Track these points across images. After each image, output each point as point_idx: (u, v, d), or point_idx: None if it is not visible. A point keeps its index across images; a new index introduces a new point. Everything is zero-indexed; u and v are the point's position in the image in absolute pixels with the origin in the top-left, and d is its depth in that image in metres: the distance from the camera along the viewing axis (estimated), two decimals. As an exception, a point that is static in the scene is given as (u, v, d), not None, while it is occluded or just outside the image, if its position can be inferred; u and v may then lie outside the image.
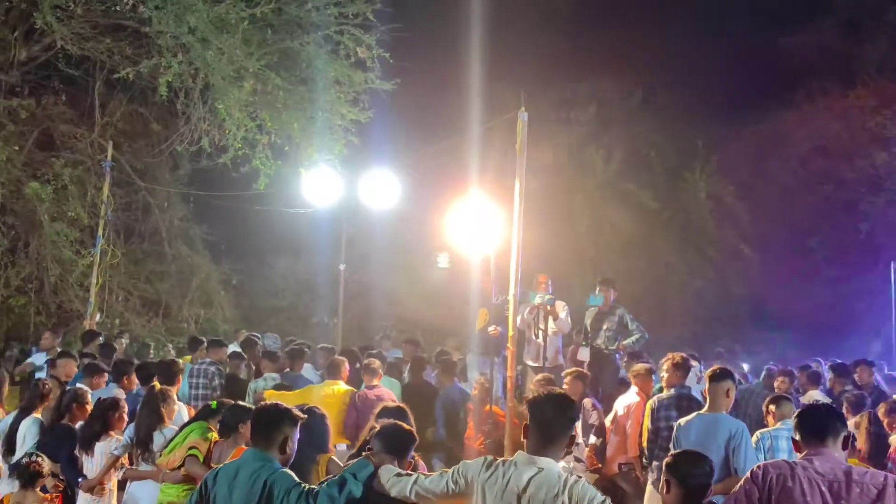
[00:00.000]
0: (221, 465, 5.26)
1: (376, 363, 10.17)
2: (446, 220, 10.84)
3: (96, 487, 7.93)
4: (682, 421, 7.31)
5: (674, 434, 7.28)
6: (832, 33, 33.08)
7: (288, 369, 11.19)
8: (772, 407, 8.07)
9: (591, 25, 27.92)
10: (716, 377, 7.24)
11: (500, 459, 4.54)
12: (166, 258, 20.72)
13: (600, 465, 9.52)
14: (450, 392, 10.65)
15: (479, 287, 11.58)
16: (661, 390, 8.89)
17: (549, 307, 11.47)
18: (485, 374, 10.72)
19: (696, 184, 30.01)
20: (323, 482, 4.97)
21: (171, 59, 14.99)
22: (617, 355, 11.40)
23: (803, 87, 32.96)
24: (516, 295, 9.74)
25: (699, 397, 9.29)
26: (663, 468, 4.88)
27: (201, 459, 7.07)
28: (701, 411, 7.31)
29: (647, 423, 8.59)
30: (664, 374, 8.92)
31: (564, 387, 9.50)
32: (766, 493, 4.26)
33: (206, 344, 12.71)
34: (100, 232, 16.11)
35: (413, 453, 5.27)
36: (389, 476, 4.81)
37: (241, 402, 7.79)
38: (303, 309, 24.00)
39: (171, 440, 7.50)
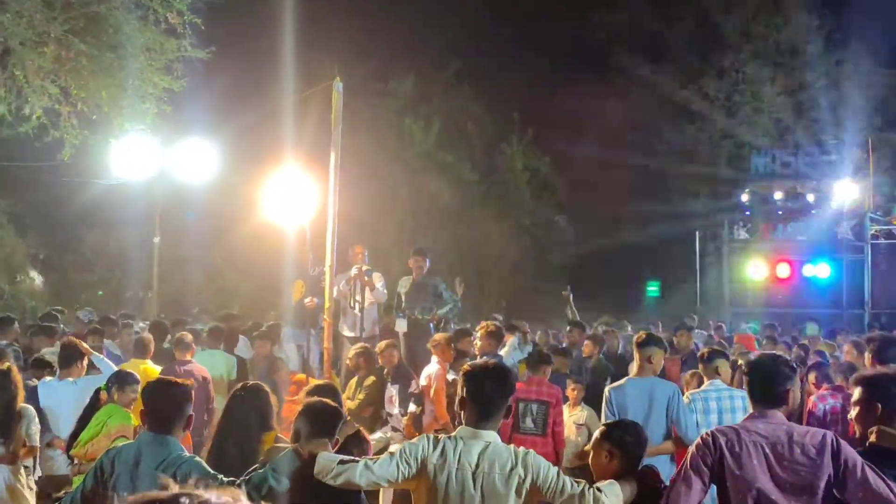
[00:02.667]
0: (116, 449, 4.82)
1: (189, 337, 9.94)
2: (263, 191, 10.69)
3: None
4: (614, 385, 7.42)
5: (608, 398, 7.33)
6: (643, 10, 34.12)
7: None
8: (700, 365, 8.17)
9: (408, -2, 28.01)
10: (642, 343, 7.40)
11: (442, 436, 4.38)
12: (-35, 232, 19.79)
13: (417, 434, 9.63)
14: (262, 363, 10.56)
15: (295, 259, 11.52)
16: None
17: (365, 278, 11.51)
18: (301, 345, 10.71)
19: (513, 155, 30.54)
20: (247, 474, 4.55)
21: (-37, 21, 14.24)
22: (431, 325, 11.53)
23: (615, 62, 33.93)
24: (332, 266, 9.73)
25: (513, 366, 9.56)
26: (600, 438, 4.72)
27: None
28: (631, 375, 7.45)
29: (459, 389, 8.72)
30: (478, 343, 9.10)
31: (379, 359, 9.57)
32: (718, 458, 4.26)
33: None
34: None
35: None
36: (331, 464, 4.32)
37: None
38: (115, 283, 23.30)
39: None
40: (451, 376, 9.45)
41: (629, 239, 32.13)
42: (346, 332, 11.73)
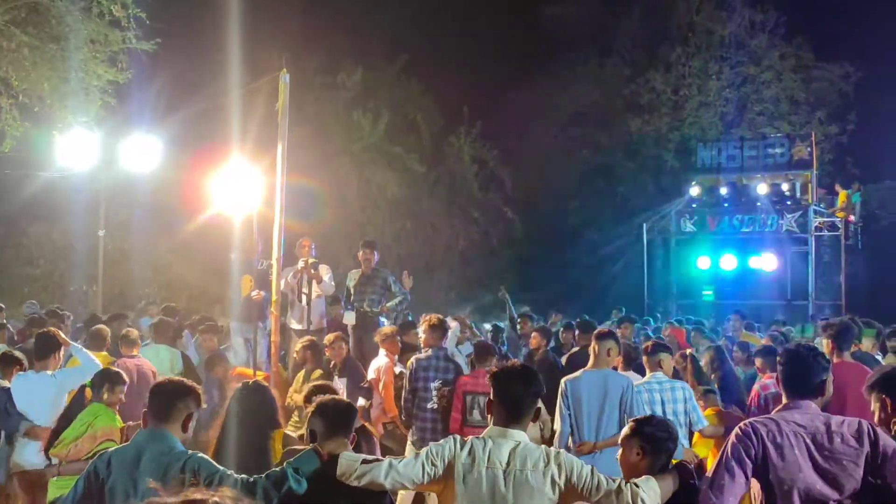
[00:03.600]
0: (112, 450, 4.66)
1: (135, 333, 9.87)
2: (210, 184, 10.61)
3: None
4: (570, 377, 7.58)
5: (563, 389, 7.48)
6: (591, 5, 34.31)
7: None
8: (644, 357, 8.25)
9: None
10: (600, 337, 7.63)
11: (469, 438, 4.31)
12: None
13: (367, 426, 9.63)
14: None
15: (242, 252, 11.46)
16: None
17: (312, 270, 11.48)
18: (249, 339, 10.66)
19: (461, 148, 30.57)
20: (264, 473, 4.42)
21: None
22: (380, 318, 11.52)
23: (563, 56, 34.12)
24: (279, 259, 9.69)
25: (461, 359, 9.59)
26: (630, 434, 4.55)
27: None
28: (587, 368, 7.61)
29: (406, 383, 8.76)
30: (422, 336, 9.12)
31: (326, 351, 9.55)
32: (761, 449, 4.21)
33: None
34: None
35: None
36: (355, 465, 4.24)
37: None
38: (59, 277, 22.93)
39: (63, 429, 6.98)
40: (398, 369, 9.47)
41: (577, 231, 32.35)
42: (294, 325, 11.68)
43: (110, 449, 4.72)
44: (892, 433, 4.46)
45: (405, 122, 29.03)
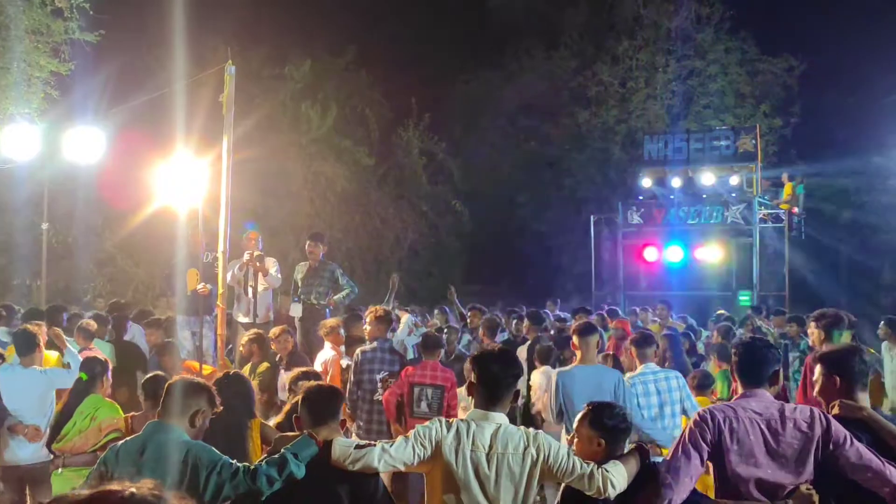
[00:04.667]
0: (121, 442, 4.79)
1: (93, 325, 9.84)
2: (155, 177, 10.53)
3: None
4: (562, 371, 7.71)
5: (556, 383, 7.55)
6: (538, -4, 34.46)
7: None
8: (633, 349, 8.36)
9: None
10: (585, 332, 7.71)
11: (454, 421, 4.50)
12: None
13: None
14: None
15: (188, 245, 11.38)
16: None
17: (258, 263, 11.44)
18: (195, 332, 10.59)
19: (409, 140, 30.54)
20: (262, 460, 4.57)
21: None
22: (327, 310, 11.50)
23: (511, 48, 34.20)
24: (225, 252, 9.64)
25: (411, 350, 9.61)
26: (588, 426, 4.65)
27: None
28: (576, 362, 7.73)
29: (351, 375, 8.78)
30: (367, 328, 9.12)
31: (272, 345, 9.51)
32: (717, 434, 4.40)
33: None
34: None
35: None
36: (348, 450, 4.41)
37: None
38: (1, 271, 22.62)
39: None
40: (345, 362, 9.46)
41: (525, 224, 32.48)
42: (241, 319, 11.66)
43: (118, 443, 4.81)
44: (830, 411, 4.67)
45: (354, 115, 28.94)
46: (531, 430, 4.51)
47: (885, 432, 4.58)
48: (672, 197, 26.26)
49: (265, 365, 9.26)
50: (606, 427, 4.63)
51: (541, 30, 34.89)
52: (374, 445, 4.40)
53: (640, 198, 27.46)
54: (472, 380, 4.63)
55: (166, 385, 4.94)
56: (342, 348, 9.77)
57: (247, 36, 23.41)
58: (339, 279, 11.69)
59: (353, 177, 27.75)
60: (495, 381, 4.54)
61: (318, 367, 9.41)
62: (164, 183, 10.24)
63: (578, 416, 4.79)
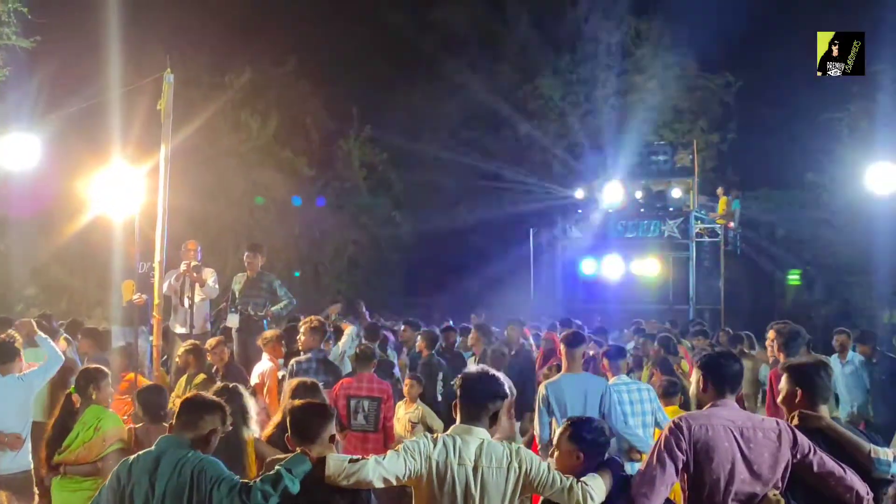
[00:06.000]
0: (134, 456, 4.77)
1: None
2: (91, 185, 10.39)
3: None
4: (550, 381, 7.72)
5: (544, 394, 7.55)
6: (480, 10, 34.59)
7: None
8: (605, 361, 8.53)
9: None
10: (572, 342, 7.77)
11: (440, 436, 4.60)
12: None
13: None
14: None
15: (124, 255, 11.25)
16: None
17: (195, 274, 11.34)
18: (131, 343, 10.45)
19: (350, 151, 30.51)
20: (257, 478, 4.56)
21: None
22: (265, 321, 11.43)
23: (453, 61, 34.30)
24: (162, 262, 9.56)
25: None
26: (568, 440, 4.84)
27: None
28: (563, 372, 7.78)
29: (285, 386, 8.73)
30: (302, 338, 9.09)
31: (209, 356, 9.41)
32: (691, 441, 4.49)
33: None
34: None
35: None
36: (342, 465, 4.41)
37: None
38: (-69, 279, 22.19)
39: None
40: (282, 373, 9.40)
41: (465, 236, 32.54)
42: (177, 329, 11.53)
43: (131, 457, 4.81)
44: (790, 422, 4.80)
45: (294, 125, 28.83)
46: (513, 445, 4.62)
47: (844, 440, 4.75)
48: (610, 211, 26.49)
49: (201, 376, 9.15)
50: (586, 441, 4.79)
51: (483, 43, 35.08)
52: (368, 459, 4.43)
53: (579, 211, 27.73)
54: (458, 397, 4.72)
55: (182, 401, 4.97)
56: (280, 361, 9.70)
57: (187, 44, 23.22)
58: (277, 290, 11.62)
59: (293, 187, 27.65)
60: (477, 399, 4.64)
61: (255, 378, 9.36)
62: (101, 191, 10.11)
63: (558, 430, 4.95)
